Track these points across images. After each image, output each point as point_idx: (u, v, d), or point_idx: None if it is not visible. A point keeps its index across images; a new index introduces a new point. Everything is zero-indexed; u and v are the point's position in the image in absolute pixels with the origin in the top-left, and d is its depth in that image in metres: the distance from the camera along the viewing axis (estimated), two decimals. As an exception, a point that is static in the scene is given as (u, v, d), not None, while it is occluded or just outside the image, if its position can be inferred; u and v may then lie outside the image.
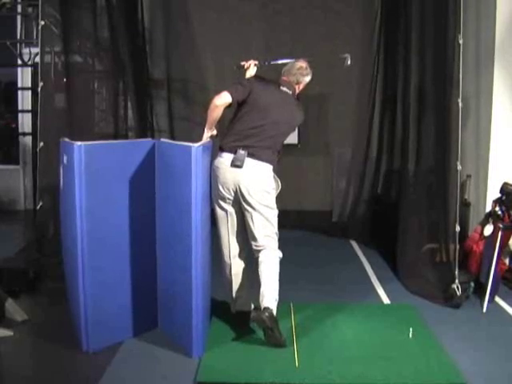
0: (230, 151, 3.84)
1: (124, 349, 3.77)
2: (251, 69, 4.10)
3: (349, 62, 4.09)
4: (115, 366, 3.55)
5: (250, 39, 7.30)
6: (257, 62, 4.12)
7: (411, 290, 4.97)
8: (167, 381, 3.43)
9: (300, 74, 4.01)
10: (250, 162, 3.82)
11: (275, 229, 3.99)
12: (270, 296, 3.76)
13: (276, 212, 3.99)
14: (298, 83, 4.02)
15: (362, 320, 4.27)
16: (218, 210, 4.01)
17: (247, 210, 3.90)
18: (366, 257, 6.09)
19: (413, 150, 5.58)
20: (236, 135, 3.86)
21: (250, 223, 3.91)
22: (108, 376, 3.42)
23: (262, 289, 3.80)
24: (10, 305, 4.16)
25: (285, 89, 3.98)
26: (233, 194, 3.89)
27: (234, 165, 3.81)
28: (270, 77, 4.11)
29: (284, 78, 4.04)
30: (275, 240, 3.98)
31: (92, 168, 3.53)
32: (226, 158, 3.86)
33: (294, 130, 4.23)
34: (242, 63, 4.12)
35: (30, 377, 3.52)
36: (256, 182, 3.85)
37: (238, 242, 4.06)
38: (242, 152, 3.80)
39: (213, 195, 3.95)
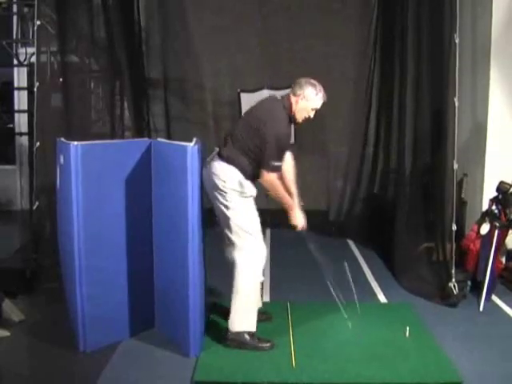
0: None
1: (121, 348, 3.77)
2: None
3: None
4: (112, 365, 3.55)
5: (247, 39, 7.29)
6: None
7: (408, 289, 4.98)
8: (164, 380, 3.43)
9: (295, 85, 3.86)
10: None
11: None
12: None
13: None
14: (294, 95, 3.83)
15: (359, 319, 4.26)
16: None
17: None
18: (362, 256, 6.09)
19: (409, 149, 5.59)
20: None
21: None
22: (105, 376, 3.42)
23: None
24: (7, 305, 4.16)
25: (274, 95, 3.94)
26: None
27: None
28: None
29: None
30: None
31: (88, 168, 3.53)
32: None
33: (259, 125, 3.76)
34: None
35: (27, 377, 3.52)
36: None
37: None
38: None
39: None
